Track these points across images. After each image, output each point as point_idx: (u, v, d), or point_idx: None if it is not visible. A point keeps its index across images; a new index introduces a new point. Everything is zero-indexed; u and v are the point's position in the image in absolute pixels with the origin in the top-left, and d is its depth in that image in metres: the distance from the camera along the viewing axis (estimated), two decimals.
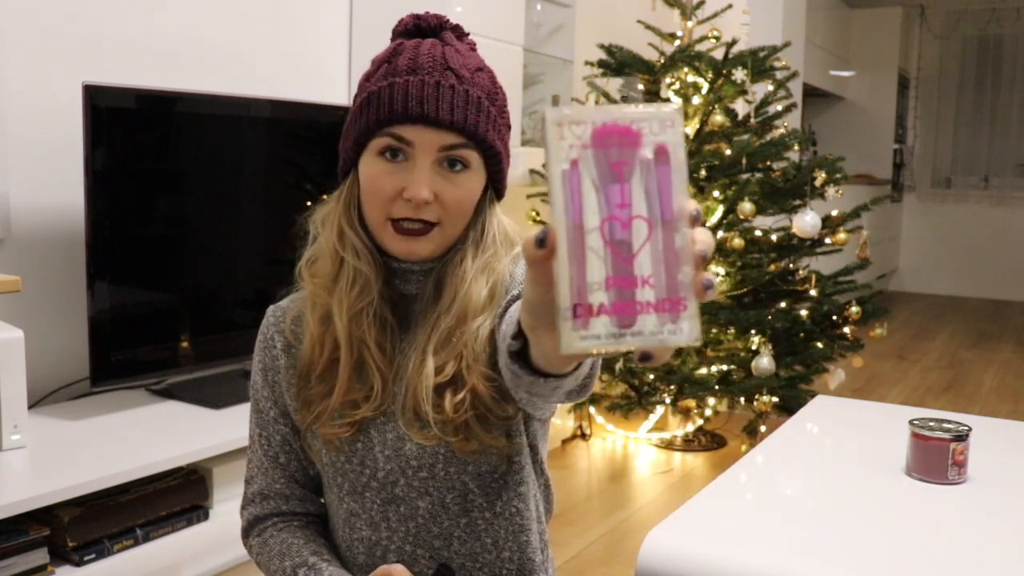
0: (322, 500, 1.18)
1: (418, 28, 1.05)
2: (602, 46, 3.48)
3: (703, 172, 3.28)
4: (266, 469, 1.14)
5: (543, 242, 0.54)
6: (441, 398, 1.01)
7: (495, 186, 1.07)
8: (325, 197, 1.10)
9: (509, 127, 1.07)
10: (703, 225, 0.56)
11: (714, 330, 3.27)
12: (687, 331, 0.54)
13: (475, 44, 1.08)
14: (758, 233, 3.29)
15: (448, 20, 1.07)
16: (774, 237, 3.29)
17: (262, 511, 1.15)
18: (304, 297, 1.10)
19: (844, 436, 1.58)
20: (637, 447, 3.46)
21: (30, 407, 2.06)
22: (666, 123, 0.55)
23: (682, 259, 0.54)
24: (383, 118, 0.98)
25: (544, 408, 1.03)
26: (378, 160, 1.00)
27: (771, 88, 3.40)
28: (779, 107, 3.44)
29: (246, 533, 1.17)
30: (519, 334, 0.74)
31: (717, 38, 3.48)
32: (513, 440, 1.06)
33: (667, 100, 3.40)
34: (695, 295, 0.54)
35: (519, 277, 1.02)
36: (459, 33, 1.07)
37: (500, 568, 1.08)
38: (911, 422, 1.30)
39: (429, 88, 0.97)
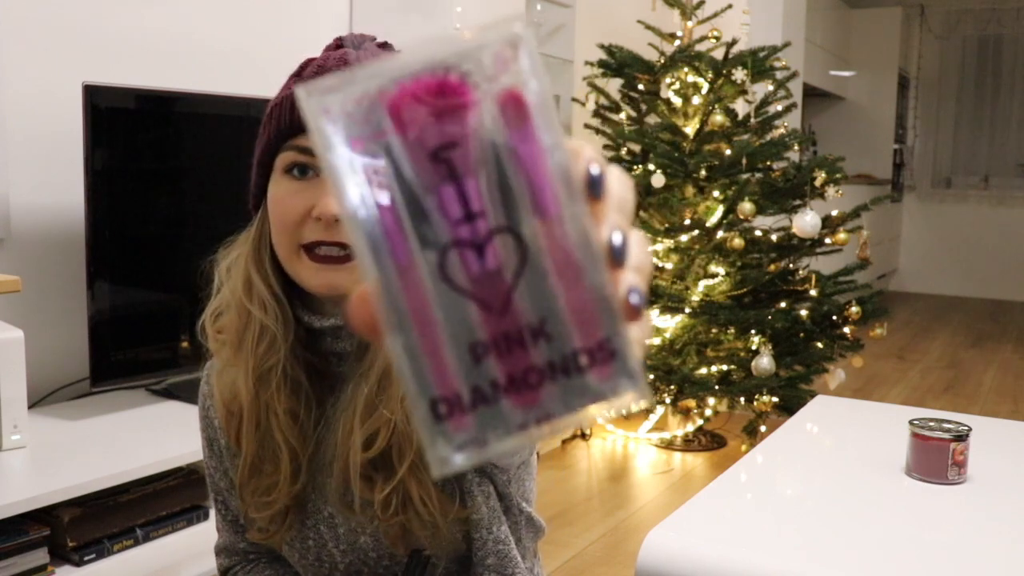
0: None
1: (340, 47, 0.96)
2: (602, 46, 3.48)
3: (703, 172, 3.29)
4: (228, 530, 1.07)
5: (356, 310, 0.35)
6: (371, 485, 0.85)
7: None
8: (228, 240, 0.96)
9: None
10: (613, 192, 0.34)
11: (714, 330, 3.27)
12: (627, 382, 0.33)
13: None
14: (758, 233, 3.29)
15: (375, 37, 0.94)
16: (774, 237, 3.29)
17: (229, 563, 1.09)
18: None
19: (844, 436, 1.58)
20: (637, 447, 3.46)
21: (30, 407, 2.06)
22: (504, 53, 0.32)
23: (588, 266, 0.32)
24: (283, 130, 0.87)
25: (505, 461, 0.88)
26: (284, 180, 0.87)
27: (771, 88, 3.40)
28: (779, 107, 3.44)
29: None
30: None
31: (717, 38, 3.48)
32: (470, 519, 0.90)
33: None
34: (623, 319, 0.33)
35: None
36: (384, 46, 0.95)
37: None
38: (911, 422, 1.30)
39: None
